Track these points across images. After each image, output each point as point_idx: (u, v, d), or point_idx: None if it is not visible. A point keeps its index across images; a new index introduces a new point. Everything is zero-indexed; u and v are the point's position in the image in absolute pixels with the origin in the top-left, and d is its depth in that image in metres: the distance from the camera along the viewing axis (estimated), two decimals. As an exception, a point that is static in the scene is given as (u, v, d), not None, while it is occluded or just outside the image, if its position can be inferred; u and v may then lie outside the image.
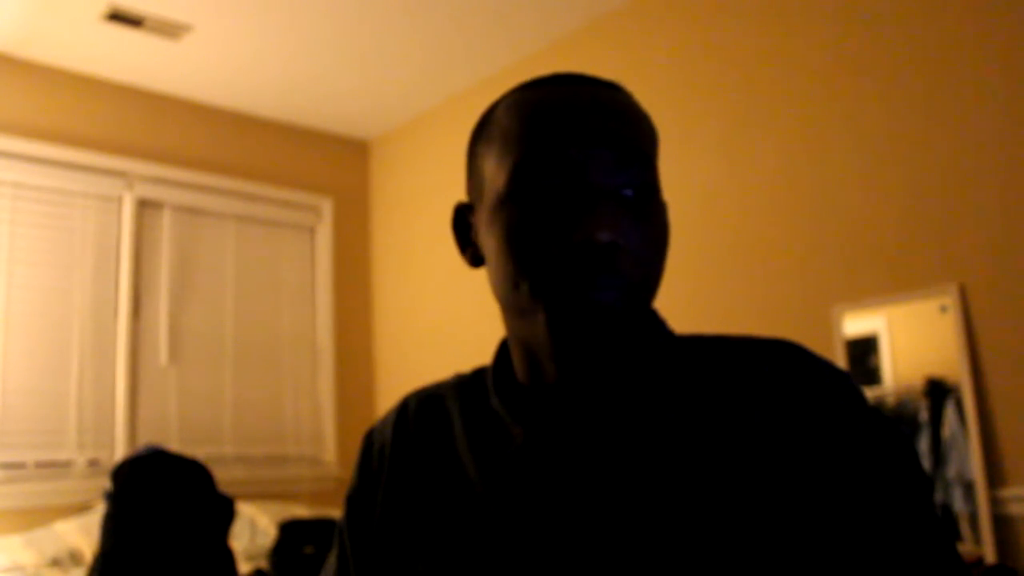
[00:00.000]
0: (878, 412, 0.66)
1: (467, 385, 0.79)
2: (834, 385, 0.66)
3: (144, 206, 3.53)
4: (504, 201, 0.68)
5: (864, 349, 2.31)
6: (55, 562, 2.64)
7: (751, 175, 2.64)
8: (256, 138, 3.91)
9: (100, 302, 3.34)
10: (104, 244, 3.39)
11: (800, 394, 0.65)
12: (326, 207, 4.08)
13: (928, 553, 0.61)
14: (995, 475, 2.04)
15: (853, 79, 2.41)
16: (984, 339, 2.10)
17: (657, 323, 0.74)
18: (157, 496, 1.97)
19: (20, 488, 3.02)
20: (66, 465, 3.15)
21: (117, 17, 3.03)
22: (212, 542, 2.02)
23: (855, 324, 2.34)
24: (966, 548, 2.05)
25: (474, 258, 0.75)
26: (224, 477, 2.89)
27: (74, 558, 2.68)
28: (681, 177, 2.77)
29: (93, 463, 3.20)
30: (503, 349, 0.78)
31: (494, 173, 0.69)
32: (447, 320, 3.66)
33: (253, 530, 3.04)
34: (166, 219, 3.58)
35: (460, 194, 3.22)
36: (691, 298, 2.71)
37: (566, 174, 0.66)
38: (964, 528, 2.07)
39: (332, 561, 0.83)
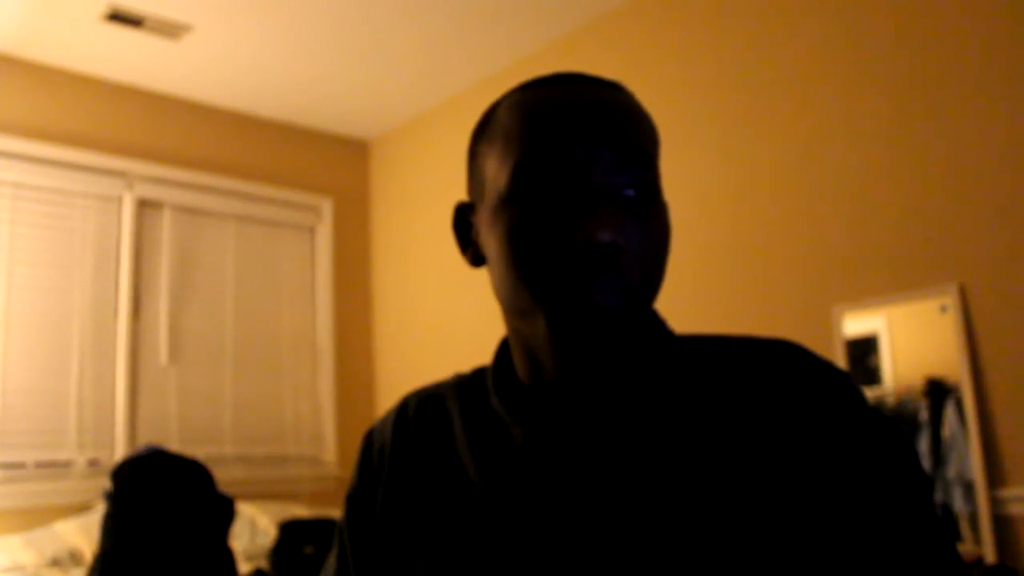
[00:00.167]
0: (878, 412, 0.66)
1: (467, 385, 0.79)
2: (834, 385, 0.66)
3: (144, 206, 3.53)
4: (505, 201, 0.68)
5: (864, 349, 2.31)
6: (55, 562, 2.64)
7: (751, 175, 2.64)
8: (256, 138, 3.91)
9: (100, 302, 3.34)
10: (104, 244, 3.39)
11: (800, 394, 0.65)
12: (326, 207, 4.08)
13: (928, 553, 0.61)
14: (995, 475, 2.04)
15: (853, 79, 2.41)
16: (984, 339, 2.10)
17: (657, 323, 0.74)
18: (157, 496, 1.97)
19: (20, 488, 3.02)
20: (66, 465, 3.15)
21: (117, 17, 3.03)
22: (212, 542, 2.02)
23: (855, 324, 2.34)
24: (966, 548, 2.05)
25: (475, 258, 0.75)
26: (224, 477, 2.89)
27: (74, 558, 2.68)
28: (681, 177, 2.77)
29: (93, 463, 3.20)
30: (503, 348, 0.78)
31: (495, 173, 0.69)
32: (447, 320, 3.66)
33: (253, 530, 3.04)
34: (166, 219, 3.58)
35: (460, 194, 3.22)
36: (691, 298, 2.71)
37: (568, 174, 0.66)
38: (964, 528, 2.07)
39: (332, 561, 0.83)
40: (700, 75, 2.82)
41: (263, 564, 2.79)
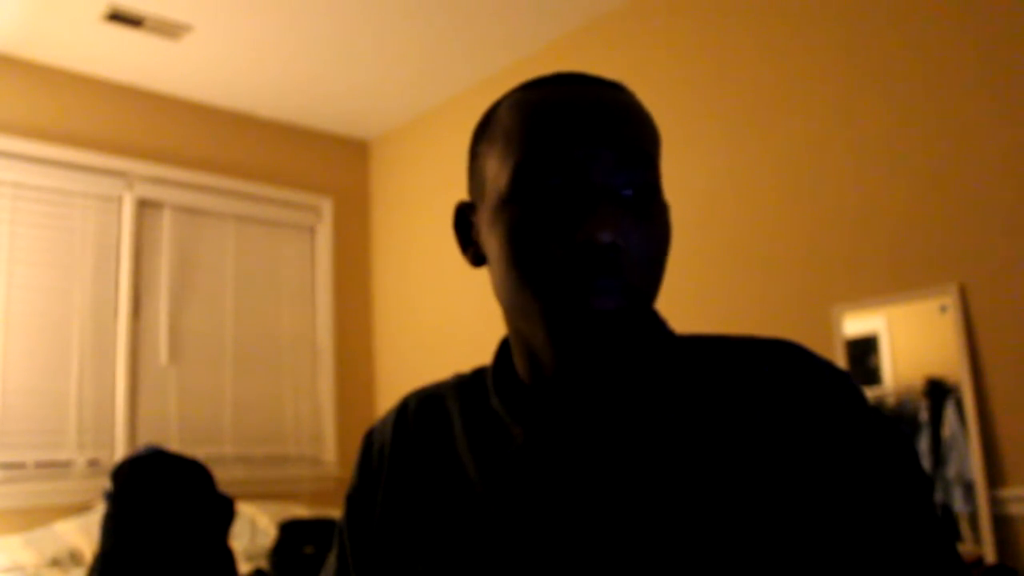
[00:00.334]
0: (878, 412, 0.66)
1: (467, 385, 0.79)
2: (834, 385, 0.66)
3: (144, 206, 3.53)
4: (506, 201, 0.68)
5: (864, 349, 2.31)
6: (55, 562, 2.64)
7: (751, 175, 2.64)
8: (256, 138, 3.91)
9: (100, 302, 3.34)
10: (104, 244, 3.39)
11: (800, 394, 0.65)
12: (326, 207, 4.08)
13: (928, 553, 0.61)
14: (995, 475, 2.04)
15: (853, 79, 2.41)
16: (984, 339, 2.10)
17: (657, 323, 0.74)
18: (157, 496, 1.97)
19: (20, 488, 3.02)
20: (66, 465, 3.15)
21: (117, 17, 3.03)
22: (212, 542, 2.02)
23: (855, 324, 2.34)
24: (966, 548, 2.05)
25: (476, 258, 0.75)
26: (224, 477, 2.89)
27: (74, 558, 2.68)
28: (681, 177, 2.77)
29: (93, 463, 3.20)
30: (503, 348, 0.78)
31: (496, 173, 0.69)
32: (447, 320, 3.66)
33: (253, 530, 3.04)
34: (166, 219, 3.58)
35: (460, 194, 3.23)
36: (691, 298, 2.71)
37: (568, 174, 0.66)
38: (964, 528, 2.07)
39: (332, 561, 0.83)
40: (700, 75, 2.82)
41: (263, 564, 2.79)
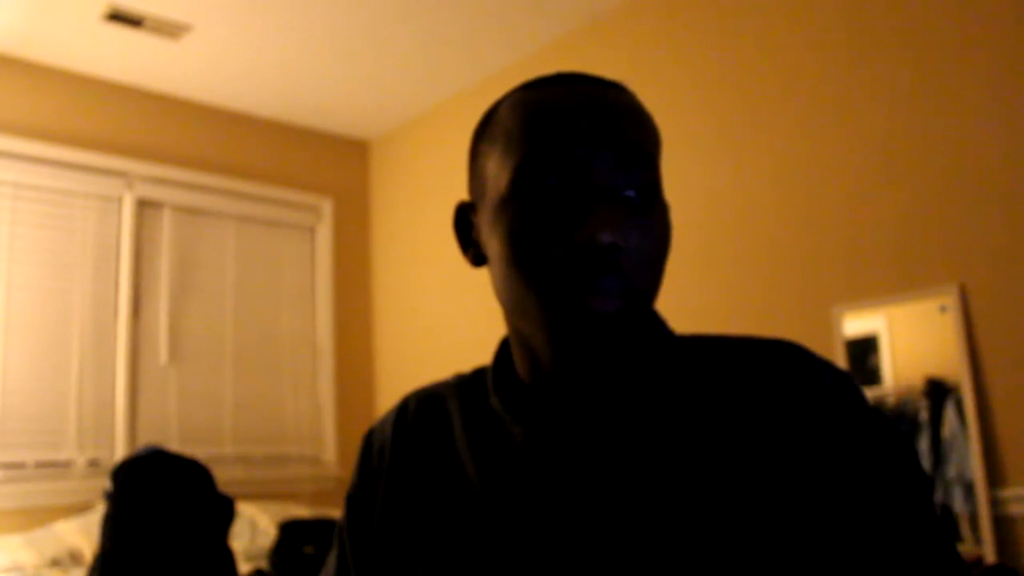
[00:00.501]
0: (878, 412, 0.66)
1: (467, 385, 0.79)
2: (834, 385, 0.66)
3: (144, 206, 3.53)
4: (507, 201, 0.68)
5: (864, 349, 2.31)
6: (55, 562, 2.64)
7: (751, 175, 2.64)
8: (256, 138, 3.91)
9: (100, 302, 3.34)
10: (104, 244, 3.39)
11: (800, 394, 0.65)
12: (326, 207, 4.08)
13: (928, 553, 0.61)
14: (995, 475, 2.04)
15: (853, 79, 2.41)
16: (984, 339, 2.10)
17: (657, 323, 0.74)
18: (157, 496, 1.97)
19: (20, 488, 3.02)
20: (66, 465, 3.15)
21: (117, 17, 3.03)
22: (212, 542, 2.02)
23: (855, 324, 2.34)
24: (966, 548, 2.05)
25: (476, 258, 0.75)
26: (224, 477, 2.89)
27: (74, 558, 2.68)
28: (681, 177, 2.76)
29: (93, 463, 3.20)
30: (504, 348, 0.78)
31: (497, 173, 0.69)
32: (447, 320, 3.66)
33: (253, 530, 3.04)
34: (166, 219, 3.58)
35: (460, 194, 3.22)
36: (692, 298, 2.71)
37: (569, 174, 0.65)
38: (964, 528, 2.07)
39: (332, 561, 0.83)
40: (700, 75, 2.82)
41: (263, 564, 2.79)
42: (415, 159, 3.99)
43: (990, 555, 2.00)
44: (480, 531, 0.69)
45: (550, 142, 0.66)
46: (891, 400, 2.25)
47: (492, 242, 0.70)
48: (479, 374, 0.80)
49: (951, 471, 2.10)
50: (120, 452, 3.23)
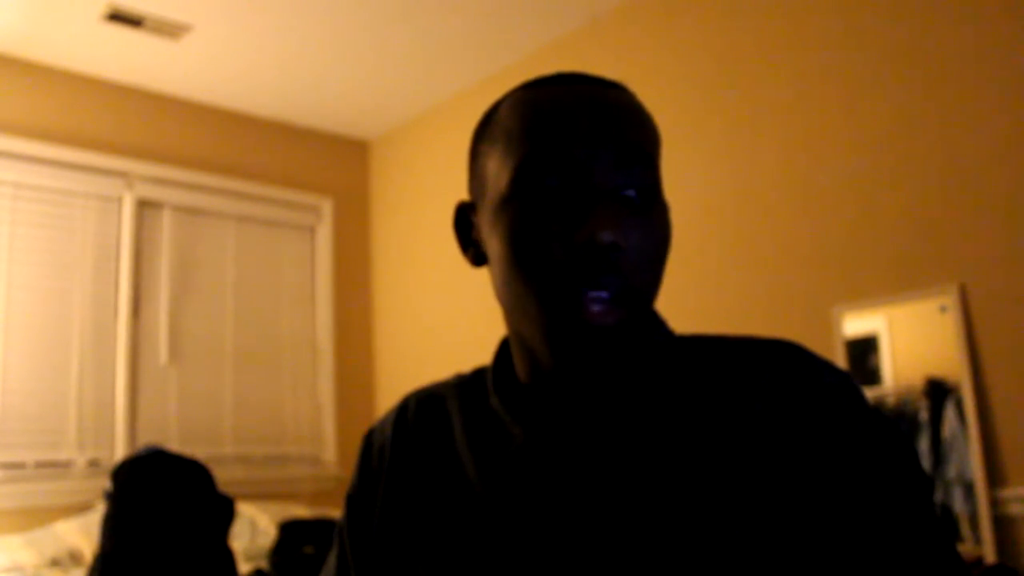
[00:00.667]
0: (878, 412, 0.66)
1: (467, 385, 0.79)
2: (834, 385, 0.66)
3: (144, 206, 3.53)
4: (507, 200, 0.68)
5: (864, 349, 2.31)
6: (55, 562, 2.64)
7: (751, 175, 2.64)
8: (256, 138, 3.91)
9: (100, 302, 3.34)
10: (104, 244, 3.39)
11: (800, 394, 0.65)
12: (326, 207, 4.08)
13: (928, 553, 0.61)
14: (995, 475, 2.04)
15: (853, 79, 2.41)
16: (984, 339, 2.10)
17: (657, 323, 0.74)
18: (157, 496, 1.97)
19: (20, 488, 3.02)
20: (66, 465, 3.15)
21: (117, 17, 3.03)
22: (212, 542, 2.02)
23: (855, 324, 2.34)
24: (966, 548, 2.05)
25: (476, 257, 0.75)
26: (224, 477, 2.89)
27: (74, 558, 2.68)
28: (681, 178, 2.76)
29: (93, 463, 3.20)
30: (503, 348, 0.78)
31: (497, 172, 0.69)
32: (447, 320, 3.66)
33: (253, 530, 3.04)
34: (166, 219, 3.58)
35: (460, 194, 3.22)
36: (691, 298, 2.71)
37: (569, 174, 0.66)
38: (964, 528, 2.07)
39: (332, 561, 0.83)
40: (700, 75, 2.82)
41: (263, 564, 2.79)
42: (415, 159, 3.99)
43: (990, 555, 2.00)
44: (480, 531, 0.68)
45: (550, 142, 0.66)
46: (891, 400, 2.25)
47: (492, 242, 0.70)
48: (479, 374, 0.80)
49: (951, 471, 2.10)
50: (120, 452, 3.23)
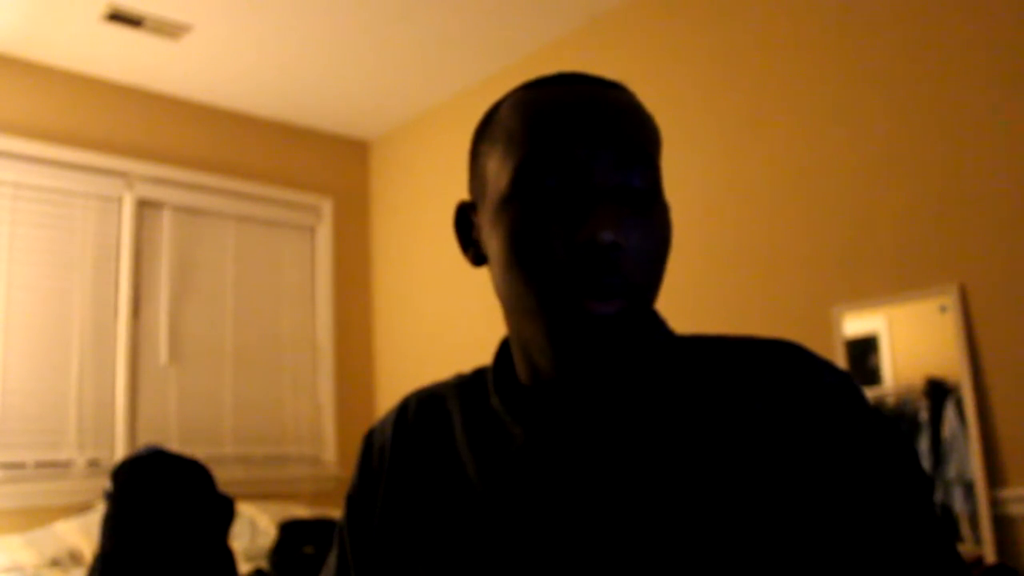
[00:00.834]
0: (878, 412, 0.66)
1: (467, 385, 0.79)
2: (834, 385, 0.66)
3: (144, 206, 3.53)
4: (507, 200, 0.68)
5: (864, 349, 2.31)
6: (55, 562, 2.64)
7: (751, 175, 2.64)
8: (256, 138, 3.91)
9: (100, 302, 3.34)
10: (104, 244, 3.39)
11: (800, 394, 0.65)
12: (326, 207, 4.08)
13: (928, 553, 0.61)
14: (995, 475, 2.04)
15: (853, 79, 2.41)
16: (984, 339, 2.10)
17: (657, 323, 0.74)
18: (157, 496, 1.97)
19: (20, 488, 3.02)
20: (66, 465, 3.15)
21: (117, 17, 3.03)
22: (212, 542, 2.02)
23: (855, 324, 2.34)
24: (966, 548, 2.05)
25: (476, 257, 0.75)
26: (224, 477, 2.89)
27: (74, 558, 2.68)
28: (682, 177, 2.76)
29: (93, 463, 3.20)
30: (504, 348, 0.78)
31: (497, 172, 0.69)
32: (447, 320, 3.66)
33: (253, 530, 3.04)
34: (166, 219, 3.58)
35: (461, 194, 3.23)
36: (692, 298, 2.71)
37: (569, 174, 0.66)
38: (964, 528, 2.07)
39: (332, 561, 0.83)
40: (700, 75, 2.82)
41: (263, 564, 2.79)
42: (415, 159, 3.99)
43: (990, 555, 2.00)
44: (480, 531, 0.69)
45: (551, 142, 0.66)
46: (891, 400, 2.25)
47: (492, 242, 0.70)
48: (479, 374, 0.80)
49: (951, 471, 2.10)
50: (120, 452, 3.23)
